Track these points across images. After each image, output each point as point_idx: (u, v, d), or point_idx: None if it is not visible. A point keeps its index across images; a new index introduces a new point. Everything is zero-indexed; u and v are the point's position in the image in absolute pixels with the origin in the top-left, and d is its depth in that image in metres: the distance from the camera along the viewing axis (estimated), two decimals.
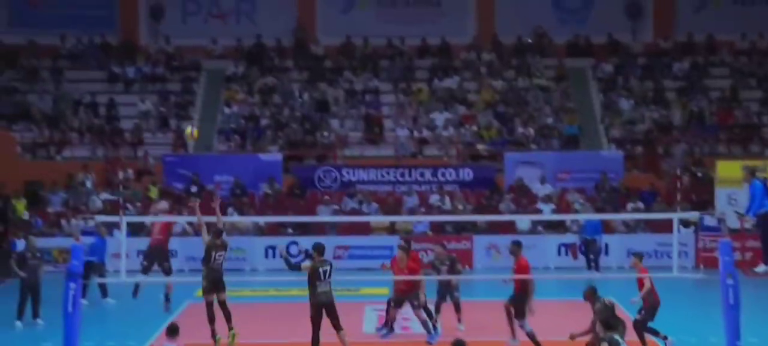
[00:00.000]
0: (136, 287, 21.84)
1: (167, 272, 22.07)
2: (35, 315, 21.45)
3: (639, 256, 18.72)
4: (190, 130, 19.96)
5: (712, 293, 25.00)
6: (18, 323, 21.24)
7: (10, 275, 26.54)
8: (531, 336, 17.94)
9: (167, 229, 22.47)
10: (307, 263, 17.36)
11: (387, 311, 19.81)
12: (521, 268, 18.29)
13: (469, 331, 18.38)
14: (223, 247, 18.04)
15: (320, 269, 16.87)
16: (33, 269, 21.56)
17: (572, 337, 15.31)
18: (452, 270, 19.61)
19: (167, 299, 21.91)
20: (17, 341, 20.14)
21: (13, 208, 30.97)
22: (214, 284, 17.90)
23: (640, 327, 17.85)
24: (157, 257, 22.05)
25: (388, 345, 19.42)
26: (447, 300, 19.82)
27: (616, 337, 13.77)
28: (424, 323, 19.34)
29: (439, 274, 19.71)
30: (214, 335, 18.03)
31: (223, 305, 18.05)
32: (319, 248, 17.14)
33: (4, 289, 26.12)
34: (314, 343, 16.87)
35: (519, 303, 18.01)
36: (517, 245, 18.71)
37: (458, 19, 39.49)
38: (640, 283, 18.06)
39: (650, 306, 17.90)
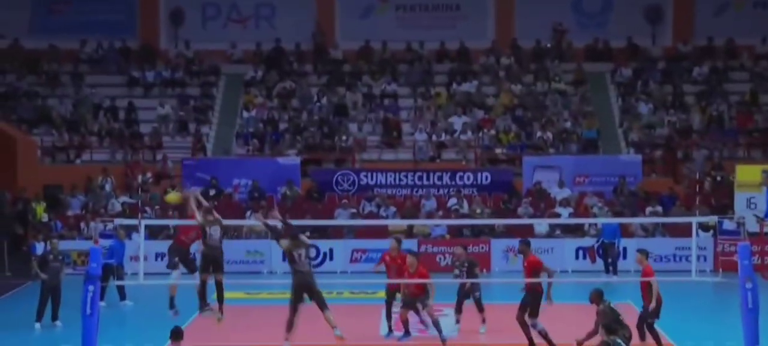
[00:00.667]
0: (172, 300, 21.17)
1: (192, 270, 21.72)
2: (55, 317, 21.55)
3: (644, 253, 18.65)
4: (171, 193, 19.91)
5: (731, 296, 24.90)
6: (37, 325, 21.35)
7: (30, 277, 26.77)
8: (544, 335, 17.90)
9: (195, 232, 22.11)
10: (285, 241, 17.40)
11: (388, 315, 19.81)
12: (531, 265, 18.24)
13: (486, 333, 18.35)
14: (219, 223, 18.15)
15: (294, 252, 16.98)
16: (54, 271, 21.68)
17: (579, 343, 15.22)
18: (470, 272, 19.59)
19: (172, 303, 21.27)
20: (36, 342, 20.25)
21: (33, 211, 31.15)
22: (211, 262, 17.98)
23: (645, 325, 17.70)
24: (182, 256, 21.75)
25: None
26: (470, 300, 19.84)
27: (619, 340, 13.71)
28: (435, 324, 19.36)
29: (457, 276, 19.71)
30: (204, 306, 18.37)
31: (219, 285, 18.18)
32: (293, 234, 17.24)
33: (24, 291, 26.26)
34: (289, 325, 17.01)
35: (533, 303, 17.93)
36: (525, 243, 18.68)
37: (477, 23, 39.49)
38: (643, 286, 17.89)
39: (657, 306, 17.78)
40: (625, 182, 32.15)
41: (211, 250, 17.99)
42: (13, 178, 33.17)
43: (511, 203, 31.46)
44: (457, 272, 20.25)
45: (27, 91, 37.22)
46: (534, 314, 17.91)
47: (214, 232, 18.05)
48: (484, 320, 19.94)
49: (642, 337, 17.64)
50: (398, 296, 19.72)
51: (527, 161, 33.38)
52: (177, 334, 14.11)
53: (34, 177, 33.28)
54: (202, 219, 18.09)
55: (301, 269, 17.18)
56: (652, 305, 17.70)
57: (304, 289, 17.15)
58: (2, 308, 24.53)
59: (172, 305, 19.51)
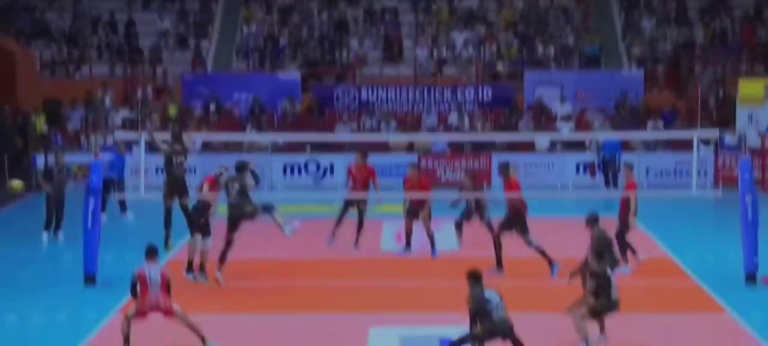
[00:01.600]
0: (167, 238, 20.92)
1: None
2: (57, 229, 21.59)
3: (630, 167, 18.66)
4: (15, 183, 19.69)
5: (732, 211, 25.03)
6: (44, 234, 21.40)
7: (32, 190, 26.80)
8: (539, 250, 17.90)
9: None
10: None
11: (338, 223, 20.16)
12: (512, 188, 18.19)
13: (488, 249, 18.34)
14: (183, 152, 18.51)
15: (229, 186, 17.37)
16: (59, 184, 21.68)
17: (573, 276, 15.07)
18: (479, 207, 19.48)
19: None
20: (39, 255, 20.32)
21: (32, 124, 31.12)
22: (175, 188, 18.08)
23: (620, 240, 17.76)
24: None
25: (405, 261, 19.49)
26: (471, 220, 19.89)
27: (607, 271, 13.69)
28: (430, 237, 19.44)
29: (455, 203, 19.72)
30: (168, 240, 18.84)
31: (185, 209, 18.53)
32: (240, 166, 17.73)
33: (26, 204, 26.30)
34: (222, 257, 17.19)
35: (520, 223, 17.85)
36: (505, 165, 18.60)
37: None
38: (623, 200, 17.88)
39: (625, 222, 17.80)
40: (627, 97, 32.05)
41: (173, 178, 18.52)
42: (12, 91, 33.06)
43: (512, 118, 31.40)
44: (456, 198, 20.18)
45: (25, 4, 36.95)
46: (524, 231, 17.87)
47: (180, 161, 18.71)
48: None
49: (622, 252, 17.69)
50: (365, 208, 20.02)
51: (529, 77, 33.25)
52: (152, 252, 14.04)
53: (34, 91, 33.18)
54: (168, 148, 18.56)
55: (231, 203, 17.32)
56: (632, 219, 17.73)
57: (236, 220, 17.32)
58: (6, 220, 24.60)
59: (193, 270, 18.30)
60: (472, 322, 12.68)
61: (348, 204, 20.22)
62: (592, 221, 15.85)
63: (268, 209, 17.58)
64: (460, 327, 12.98)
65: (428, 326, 14.89)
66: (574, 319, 13.61)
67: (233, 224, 17.41)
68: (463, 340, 12.63)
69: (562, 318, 14.04)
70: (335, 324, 15.35)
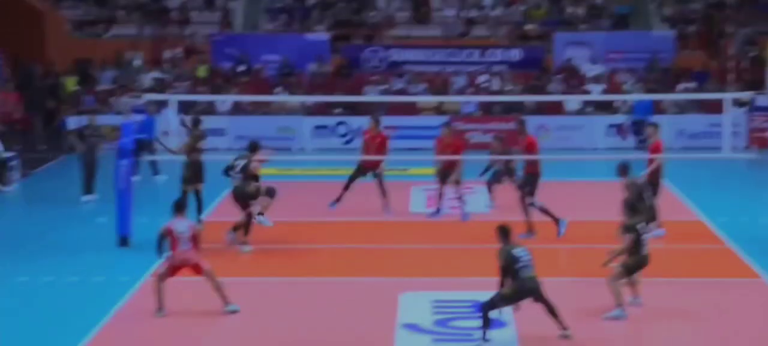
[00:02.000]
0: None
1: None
2: (90, 191, 21.73)
3: (654, 127, 18.52)
4: None
5: (764, 172, 24.91)
6: (84, 198, 21.54)
7: (64, 151, 26.99)
8: (544, 210, 17.87)
9: None
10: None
11: (346, 187, 20.00)
12: (528, 146, 18.15)
13: (519, 211, 18.29)
14: (203, 138, 18.55)
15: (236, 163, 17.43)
16: (91, 146, 21.81)
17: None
18: (508, 169, 19.48)
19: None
20: (72, 217, 20.46)
21: (63, 85, 31.24)
22: (195, 174, 18.25)
23: None
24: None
25: (435, 225, 19.49)
26: (502, 183, 19.87)
27: (637, 225, 13.64)
28: (460, 200, 19.43)
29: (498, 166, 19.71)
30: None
31: (199, 194, 18.48)
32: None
33: (58, 164, 26.48)
34: (245, 230, 17.32)
35: (532, 183, 17.83)
36: (521, 122, 18.57)
37: None
38: (649, 162, 17.76)
39: (655, 184, 17.67)
40: (658, 58, 31.82)
41: (194, 163, 18.34)
42: (42, 52, 33.20)
43: (541, 79, 31.25)
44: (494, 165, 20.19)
45: None
46: (531, 193, 17.84)
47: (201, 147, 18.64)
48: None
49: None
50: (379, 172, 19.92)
51: (558, 37, 33.05)
52: (180, 207, 14.24)
53: (64, 51, 33.27)
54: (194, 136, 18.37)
55: (235, 182, 17.33)
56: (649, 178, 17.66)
57: (239, 199, 17.30)
58: (39, 181, 24.77)
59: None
60: (502, 279, 12.67)
61: (360, 169, 20.13)
62: (624, 170, 15.82)
63: (271, 192, 17.39)
64: (492, 291, 13.00)
65: (459, 291, 14.93)
66: (610, 282, 13.60)
67: (239, 202, 17.34)
68: (492, 303, 12.65)
69: (592, 283, 14.05)
70: (365, 289, 15.40)
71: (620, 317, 13.52)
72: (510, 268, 12.55)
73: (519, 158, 18.75)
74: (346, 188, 20.00)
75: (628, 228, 13.58)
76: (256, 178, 17.33)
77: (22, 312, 14.22)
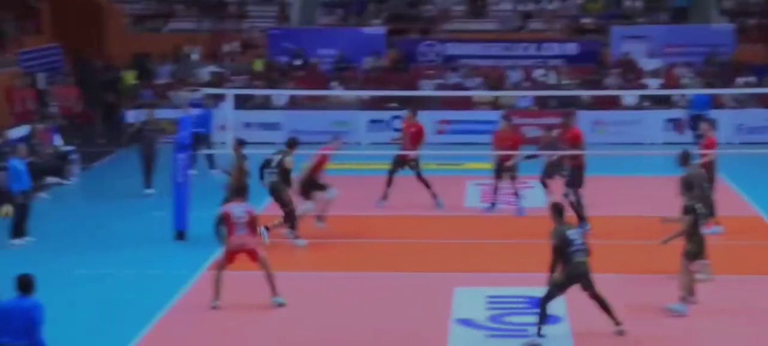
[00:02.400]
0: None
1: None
2: (148, 185, 21.96)
3: (709, 123, 18.30)
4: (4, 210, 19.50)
5: None
6: (147, 191, 21.79)
7: (123, 145, 27.32)
8: (574, 206, 17.76)
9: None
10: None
11: (388, 182, 20.05)
12: (574, 139, 18.04)
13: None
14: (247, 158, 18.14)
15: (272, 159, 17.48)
16: (150, 140, 22.06)
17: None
18: (555, 164, 19.41)
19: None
20: (130, 209, 20.70)
21: (122, 79, 31.60)
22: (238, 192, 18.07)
23: None
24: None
25: (490, 219, 19.46)
26: (554, 179, 19.80)
27: (695, 206, 13.56)
28: (516, 195, 19.39)
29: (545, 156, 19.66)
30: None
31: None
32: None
33: (117, 158, 26.79)
34: (292, 224, 17.31)
35: (575, 176, 17.72)
36: (567, 114, 18.48)
37: None
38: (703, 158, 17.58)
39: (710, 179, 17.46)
40: (717, 51, 31.46)
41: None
42: (102, 46, 33.62)
43: (598, 74, 31.03)
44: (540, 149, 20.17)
45: None
46: (572, 186, 17.73)
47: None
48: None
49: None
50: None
51: (615, 31, 32.77)
52: (240, 191, 14.39)
53: (123, 46, 33.66)
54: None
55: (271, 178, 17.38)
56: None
57: (272, 194, 17.41)
58: (98, 175, 25.07)
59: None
60: (553, 261, 12.62)
61: (397, 162, 20.13)
62: (685, 158, 15.74)
63: (290, 216, 17.20)
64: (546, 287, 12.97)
65: (514, 286, 14.91)
66: (681, 274, 13.52)
67: (274, 198, 17.39)
68: (548, 294, 12.58)
69: (643, 280, 13.96)
70: (420, 283, 15.43)
71: (680, 312, 13.41)
72: (563, 250, 12.49)
73: (564, 153, 18.64)
74: (389, 183, 20.05)
75: (687, 209, 13.50)
76: (288, 173, 17.29)
77: (81, 304, 14.44)
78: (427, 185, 20.06)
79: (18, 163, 17.79)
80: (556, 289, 12.57)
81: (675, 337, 13.09)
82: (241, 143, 17.72)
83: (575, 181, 17.75)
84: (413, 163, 20.03)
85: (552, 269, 12.57)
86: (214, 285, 13.96)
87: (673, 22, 33.92)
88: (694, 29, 32.97)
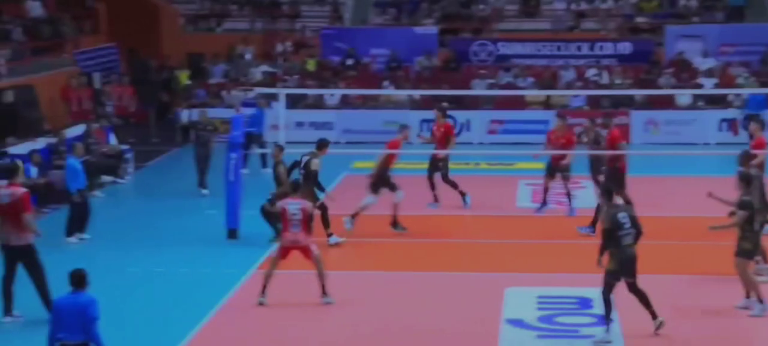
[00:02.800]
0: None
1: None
2: (202, 185, 22.13)
3: (759, 122, 18.04)
4: None
5: None
6: (203, 192, 21.94)
7: (176, 144, 27.59)
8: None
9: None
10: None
11: (430, 185, 20.07)
12: (612, 140, 17.91)
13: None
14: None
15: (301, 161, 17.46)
16: (204, 140, 22.24)
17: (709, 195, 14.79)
18: (597, 145, 19.28)
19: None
20: (183, 208, 20.90)
21: (176, 79, 31.91)
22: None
23: None
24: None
25: (542, 220, 19.40)
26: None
27: (748, 200, 13.45)
28: (568, 195, 19.29)
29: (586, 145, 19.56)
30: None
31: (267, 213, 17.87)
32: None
33: (170, 157, 27.04)
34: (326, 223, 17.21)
35: (614, 178, 17.55)
36: (607, 115, 18.36)
37: None
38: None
39: None
40: None
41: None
42: (157, 46, 33.98)
43: (652, 73, 30.79)
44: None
45: None
46: (618, 187, 17.58)
47: None
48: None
49: None
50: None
51: (670, 30, 32.50)
52: (297, 187, 14.48)
53: (178, 45, 34.01)
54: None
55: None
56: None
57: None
58: (152, 174, 25.32)
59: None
60: (604, 244, 12.53)
61: (432, 163, 20.13)
62: (745, 158, 15.57)
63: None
64: (598, 288, 12.92)
65: (565, 287, 14.87)
66: (741, 273, 13.42)
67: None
68: (606, 285, 12.49)
69: (695, 280, 13.84)
70: (471, 283, 15.44)
71: (763, 312, 13.30)
72: (613, 233, 12.43)
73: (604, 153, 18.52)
74: (432, 186, 20.07)
75: (743, 204, 13.39)
76: (315, 176, 17.23)
77: (133, 302, 14.61)
78: (454, 186, 20.10)
79: (75, 162, 18.05)
80: (612, 278, 12.51)
81: (724, 337, 13.01)
82: (280, 149, 17.84)
83: (616, 182, 17.61)
84: (441, 164, 20.04)
85: (601, 252, 12.53)
86: (263, 281, 14.07)
87: (729, 21, 33.57)
88: (750, 28, 32.60)
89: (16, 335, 13.40)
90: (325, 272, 14.11)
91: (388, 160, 18.16)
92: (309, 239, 14.11)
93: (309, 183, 17.09)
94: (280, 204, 14.29)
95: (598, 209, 17.63)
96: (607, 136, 18.17)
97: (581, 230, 17.88)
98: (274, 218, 16.65)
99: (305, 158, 17.38)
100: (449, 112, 28.98)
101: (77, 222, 18.03)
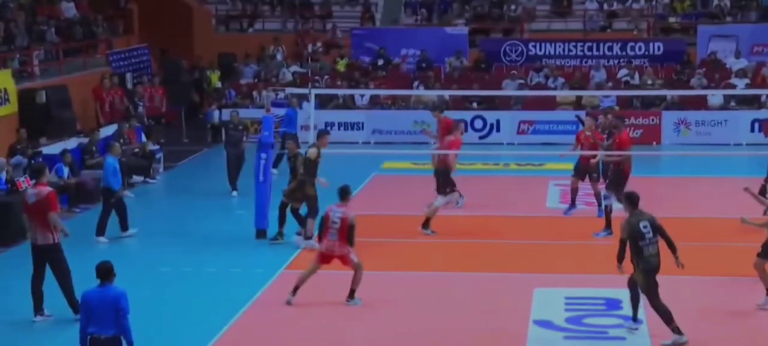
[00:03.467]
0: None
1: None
2: (233, 185, 22.19)
3: None
4: None
5: None
6: (233, 193, 21.96)
7: (206, 144, 27.71)
8: (608, 211, 17.71)
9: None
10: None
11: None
12: (620, 142, 17.82)
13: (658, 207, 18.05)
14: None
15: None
16: (235, 140, 22.29)
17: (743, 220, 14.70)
18: (611, 138, 19.16)
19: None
20: (213, 208, 20.99)
21: (207, 79, 32.06)
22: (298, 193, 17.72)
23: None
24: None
25: (570, 221, 19.34)
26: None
27: None
28: (597, 196, 19.21)
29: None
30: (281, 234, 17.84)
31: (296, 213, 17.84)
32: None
33: (200, 157, 27.15)
34: None
35: (616, 179, 17.53)
36: (619, 118, 18.27)
37: None
38: None
39: None
40: None
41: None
42: (189, 46, 34.15)
43: (684, 73, 30.62)
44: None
45: None
46: (612, 189, 17.53)
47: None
48: None
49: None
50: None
51: (702, 30, 32.30)
52: (345, 193, 14.32)
53: (209, 45, 34.17)
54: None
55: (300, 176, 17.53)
56: None
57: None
58: (182, 174, 25.41)
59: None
60: (621, 252, 12.44)
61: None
62: None
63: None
64: (625, 289, 12.90)
65: (593, 288, 14.84)
66: (760, 272, 13.36)
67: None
68: (653, 299, 12.44)
69: (718, 281, 13.76)
70: (500, 284, 15.43)
71: None
72: (634, 243, 12.33)
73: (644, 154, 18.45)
74: (452, 183, 20.01)
75: None
76: (314, 165, 17.18)
77: (163, 301, 14.72)
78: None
79: (114, 161, 18.18)
80: (650, 290, 12.40)
81: (752, 338, 12.96)
82: (296, 143, 17.90)
83: (617, 184, 17.56)
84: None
85: (619, 259, 12.45)
86: (297, 282, 14.12)
87: (762, 21, 33.31)
88: None
89: (46, 334, 13.54)
90: (360, 277, 14.12)
91: (448, 158, 18.29)
92: (344, 249, 14.01)
93: (309, 174, 17.16)
94: (327, 209, 14.17)
95: (607, 211, 17.65)
96: (616, 138, 18.06)
97: (597, 235, 17.81)
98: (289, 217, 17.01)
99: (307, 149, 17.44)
100: (479, 113, 29.15)
101: (120, 221, 18.15)
